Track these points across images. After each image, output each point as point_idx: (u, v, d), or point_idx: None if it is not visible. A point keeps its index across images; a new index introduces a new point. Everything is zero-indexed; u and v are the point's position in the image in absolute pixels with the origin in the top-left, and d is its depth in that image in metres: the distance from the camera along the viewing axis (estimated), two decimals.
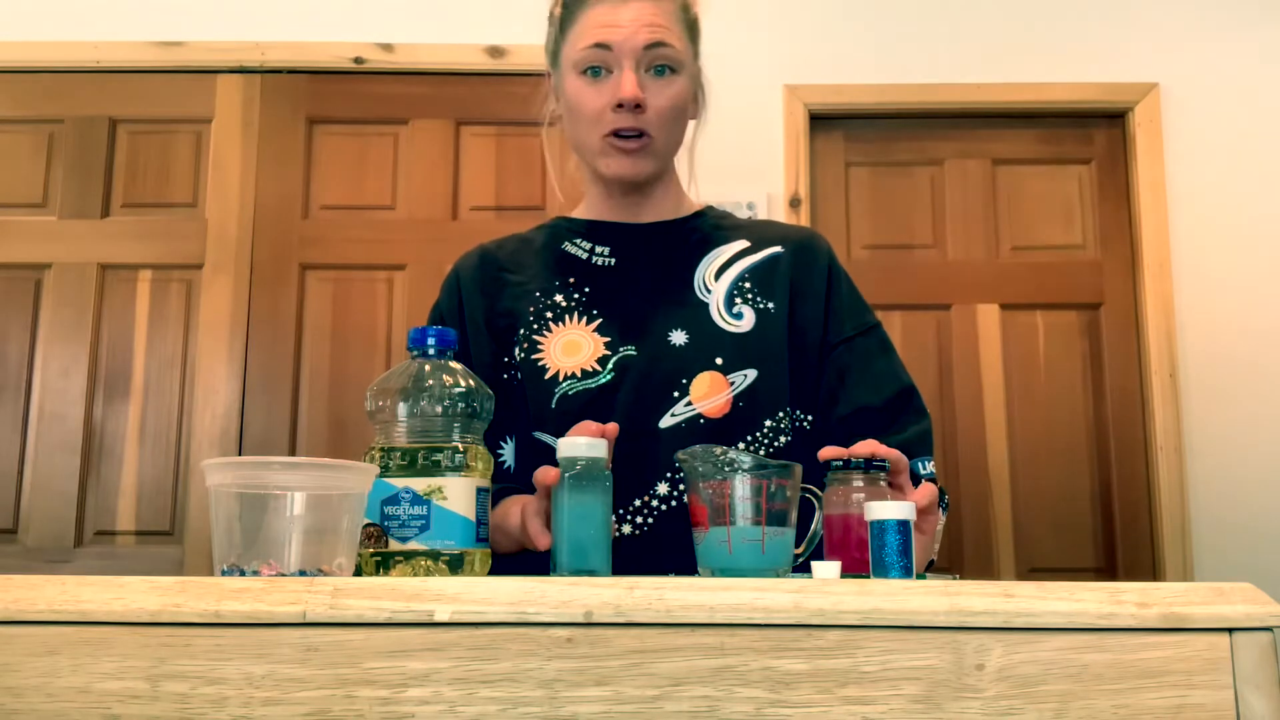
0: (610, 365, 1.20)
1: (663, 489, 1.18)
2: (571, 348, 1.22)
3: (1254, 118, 2.95)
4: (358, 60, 2.95)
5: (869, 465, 0.97)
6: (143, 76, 2.96)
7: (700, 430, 1.18)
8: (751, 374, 1.21)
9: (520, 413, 1.23)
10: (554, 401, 1.20)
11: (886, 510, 0.86)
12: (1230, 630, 0.67)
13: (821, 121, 2.98)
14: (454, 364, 0.95)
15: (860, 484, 0.96)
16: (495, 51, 2.93)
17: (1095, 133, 3.01)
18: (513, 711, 0.65)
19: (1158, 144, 2.93)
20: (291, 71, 2.97)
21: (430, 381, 0.92)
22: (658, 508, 1.17)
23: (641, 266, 1.29)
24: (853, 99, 2.96)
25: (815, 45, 2.99)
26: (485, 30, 2.93)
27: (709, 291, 1.26)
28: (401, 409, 0.91)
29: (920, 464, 1.18)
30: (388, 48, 2.96)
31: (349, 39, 2.96)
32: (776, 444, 1.21)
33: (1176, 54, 2.98)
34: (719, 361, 1.20)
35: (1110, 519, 2.84)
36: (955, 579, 0.89)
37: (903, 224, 2.98)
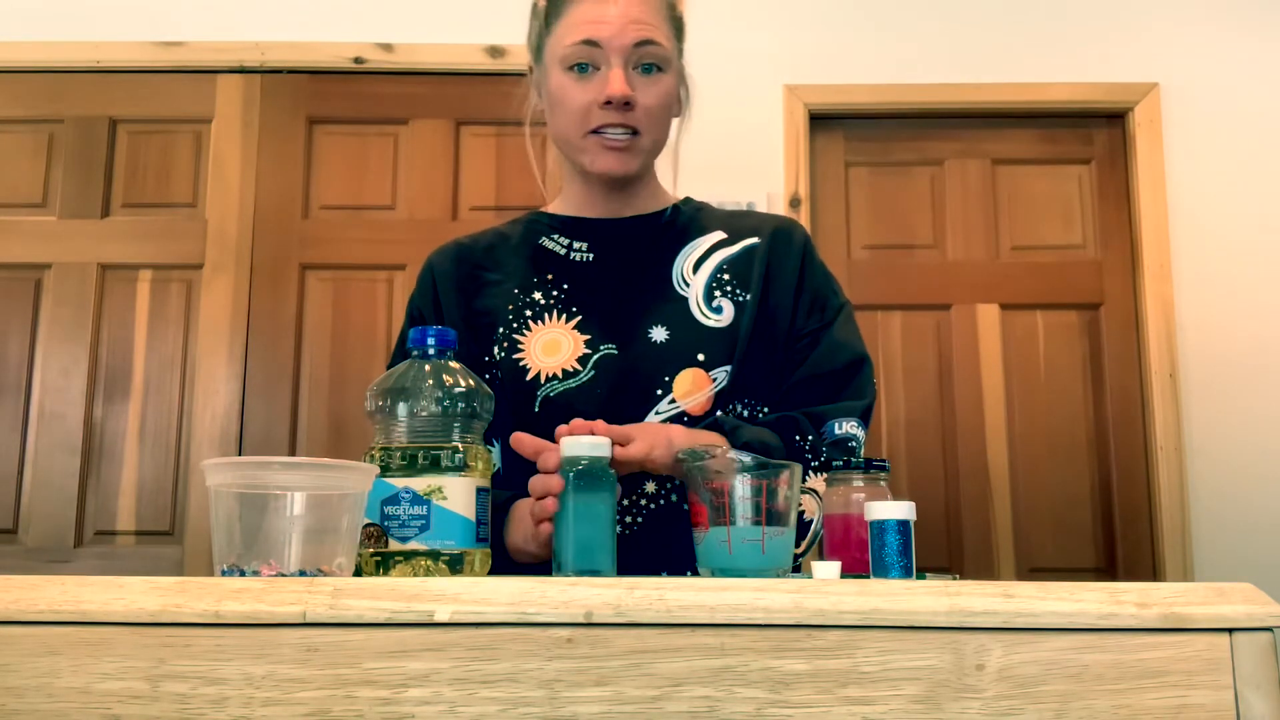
0: (591, 364, 1.19)
1: (650, 487, 1.17)
2: (551, 347, 1.21)
3: (1254, 118, 2.95)
4: (358, 60, 2.95)
5: (869, 465, 0.97)
6: (143, 76, 2.96)
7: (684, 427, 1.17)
8: (731, 368, 1.20)
9: (504, 413, 1.22)
10: (537, 404, 1.19)
11: (886, 510, 0.86)
12: (1230, 630, 0.66)
13: (821, 121, 2.98)
14: (454, 364, 0.95)
15: (860, 484, 0.96)
16: (495, 51, 2.93)
17: (1095, 133, 3.01)
18: (513, 712, 0.65)
19: (1158, 144, 2.93)
20: (291, 71, 2.97)
21: (430, 381, 0.92)
22: (646, 506, 1.17)
23: (620, 261, 1.28)
24: (853, 99, 2.96)
25: (815, 45, 2.99)
26: (485, 30, 2.93)
27: (687, 285, 1.25)
28: (401, 409, 0.91)
29: (836, 424, 1.18)
30: (388, 48, 2.96)
31: (349, 39, 2.95)
32: None
33: (1176, 54, 2.98)
34: (701, 358, 1.19)
35: (1110, 519, 2.84)
36: (955, 579, 0.89)
37: (903, 224, 2.97)
